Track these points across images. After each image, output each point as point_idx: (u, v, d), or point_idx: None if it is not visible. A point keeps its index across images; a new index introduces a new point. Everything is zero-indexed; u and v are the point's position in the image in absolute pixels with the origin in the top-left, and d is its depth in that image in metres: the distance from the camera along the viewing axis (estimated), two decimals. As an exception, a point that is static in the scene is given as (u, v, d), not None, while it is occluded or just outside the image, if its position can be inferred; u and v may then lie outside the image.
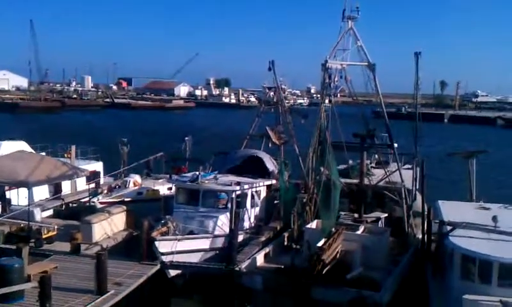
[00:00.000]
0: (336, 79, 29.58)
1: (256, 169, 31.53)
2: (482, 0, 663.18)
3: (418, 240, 26.43)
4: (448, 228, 21.79)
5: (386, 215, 29.25)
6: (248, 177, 30.25)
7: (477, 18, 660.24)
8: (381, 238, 25.02)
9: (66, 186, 33.52)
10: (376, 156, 35.98)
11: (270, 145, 35.06)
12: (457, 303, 18.57)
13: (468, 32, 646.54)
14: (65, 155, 36.76)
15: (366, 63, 29.16)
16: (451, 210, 24.42)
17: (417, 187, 30.34)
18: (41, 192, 31.72)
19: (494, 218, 21.29)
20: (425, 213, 25.09)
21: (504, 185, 51.56)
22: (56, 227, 26.13)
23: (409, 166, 31.38)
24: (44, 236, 25.15)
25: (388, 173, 29.97)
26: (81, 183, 34.03)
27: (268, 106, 36.85)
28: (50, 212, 30.53)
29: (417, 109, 29.76)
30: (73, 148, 36.72)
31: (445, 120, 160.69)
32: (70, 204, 32.27)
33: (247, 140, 36.50)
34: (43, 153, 34.51)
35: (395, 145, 29.93)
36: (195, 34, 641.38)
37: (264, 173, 31.52)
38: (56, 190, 32.60)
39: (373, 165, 35.73)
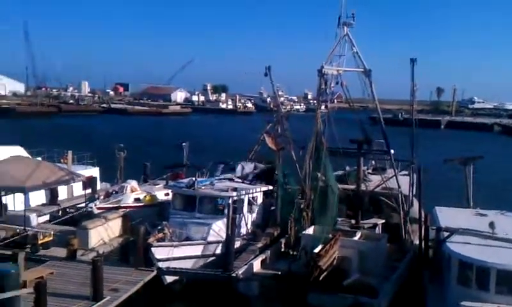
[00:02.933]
0: (332, 85, 29.59)
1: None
2: (479, 8, 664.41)
3: (416, 246, 26.38)
4: (446, 234, 21.80)
5: (383, 221, 29.17)
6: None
7: (476, 27, 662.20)
8: (378, 244, 24.98)
9: (62, 191, 33.40)
10: (373, 162, 35.95)
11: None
12: (454, 309, 18.56)
13: (465, 39, 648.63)
14: (61, 161, 36.63)
15: (362, 69, 29.17)
16: (448, 216, 24.44)
17: (414, 193, 30.32)
18: (38, 198, 31.64)
19: (491, 224, 21.30)
20: (423, 219, 25.05)
21: (500, 191, 51.59)
22: (52, 232, 26.00)
23: (406, 172, 31.36)
24: (40, 242, 25.06)
25: (384, 179, 29.94)
26: (78, 189, 33.90)
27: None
28: (46, 217, 30.43)
29: (414, 115, 29.77)
30: (70, 153, 36.62)
31: (442, 126, 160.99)
32: (67, 210, 32.16)
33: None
34: (40, 158, 34.39)
35: (392, 151, 29.93)
36: (193, 40, 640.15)
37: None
38: (53, 195, 32.47)
39: (370, 171, 35.70)
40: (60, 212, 31.37)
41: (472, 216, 24.99)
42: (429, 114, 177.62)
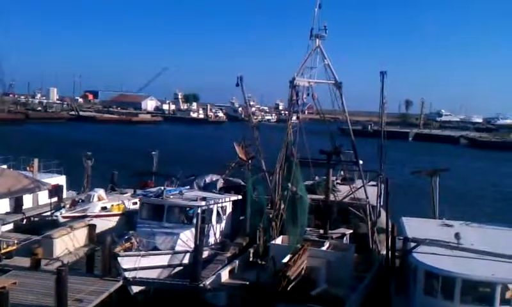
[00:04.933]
0: (304, 97, 29.78)
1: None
2: (449, 25, 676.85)
3: (383, 256, 26.57)
4: (412, 244, 21.98)
5: (351, 231, 29.39)
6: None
7: (443, 40, 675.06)
8: (345, 254, 25.11)
9: (27, 200, 32.71)
10: (342, 172, 36.21)
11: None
12: (420, 319, 18.73)
13: (433, 53, 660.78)
14: (27, 168, 35.96)
15: (333, 81, 29.43)
16: (415, 226, 24.67)
17: (382, 203, 30.62)
18: (2, 206, 30.91)
19: (456, 235, 21.57)
20: (390, 229, 25.25)
21: (466, 202, 52.50)
22: (15, 241, 25.38)
23: (374, 183, 31.69)
24: (3, 251, 24.40)
25: (353, 190, 30.17)
26: (43, 197, 33.26)
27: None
28: (10, 226, 29.75)
29: (383, 127, 30.12)
30: (36, 161, 35.97)
31: (410, 138, 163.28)
32: (32, 219, 31.50)
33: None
34: (5, 166, 33.70)
35: (361, 162, 30.20)
36: (164, 48, 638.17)
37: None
38: (17, 203, 31.75)
39: (338, 181, 35.94)
40: (24, 220, 30.73)
41: (438, 227, 25.27)
42: (397, 126, 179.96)
